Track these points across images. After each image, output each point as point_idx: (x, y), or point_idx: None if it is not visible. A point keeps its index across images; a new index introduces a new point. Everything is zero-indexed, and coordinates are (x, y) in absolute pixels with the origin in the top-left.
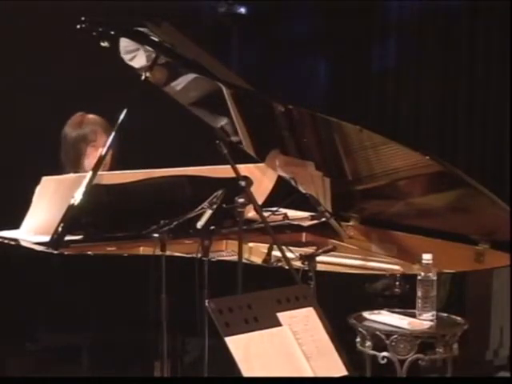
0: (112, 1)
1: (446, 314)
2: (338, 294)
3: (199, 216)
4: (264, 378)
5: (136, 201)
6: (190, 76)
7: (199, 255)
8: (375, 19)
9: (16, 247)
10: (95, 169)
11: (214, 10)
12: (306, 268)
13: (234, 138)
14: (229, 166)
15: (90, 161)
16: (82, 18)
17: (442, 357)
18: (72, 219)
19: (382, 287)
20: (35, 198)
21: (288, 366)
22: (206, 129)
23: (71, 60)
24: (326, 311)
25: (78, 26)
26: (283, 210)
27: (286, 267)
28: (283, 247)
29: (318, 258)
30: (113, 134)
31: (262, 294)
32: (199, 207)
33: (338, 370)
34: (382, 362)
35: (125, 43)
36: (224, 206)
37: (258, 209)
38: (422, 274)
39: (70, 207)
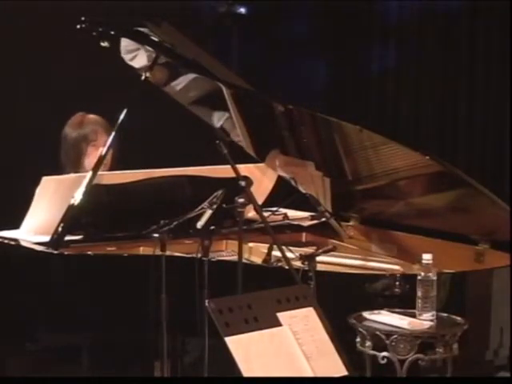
0: (112, 1)
1: (445, 314)
2: (337, 294)
3: (199, 216)
4: (264, 378)
5: (136, 201)
6: (190, 76)
7: (199, 255)
8: (375, 19)
9: (16, 247)
10: (95, 169)
11: (214, 10)
12: (306, 268)
13: (232, 135)
14: (229, 166)
15: (90, 160)
16: (82, 18)
17: (442, 357)
18: (72, 219)
19: (382, 287)
20: (35, 198)
21: (288, 366)
22: (206, 129)
23: (71, 60)
24: (326, 311)
25: (78, 26)
26: (283, 210)
27: (286, 267)
28: (283, 247)
29: (318, 258)
30: (113, 133)
31: (262, 294)
32: (199, 207)
33: (338, 369)
34: (382, 362)
35: (125, 43)
36: (224, 205)
37: (258, 209)
38: (422, 273)
39: (70, 207)
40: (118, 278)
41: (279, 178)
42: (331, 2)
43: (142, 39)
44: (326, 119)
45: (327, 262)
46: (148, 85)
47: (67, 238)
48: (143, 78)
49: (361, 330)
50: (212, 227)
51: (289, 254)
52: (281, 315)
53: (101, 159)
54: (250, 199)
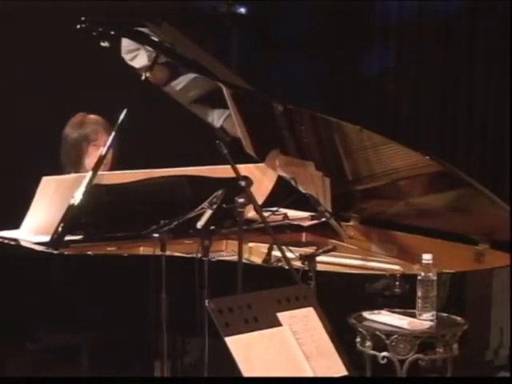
0: (112, 1)
1: (445, 314)
2: (337, 294)
3: (199, 216)
4: (264, 378)
5: (136, 201)
6: (190, 76)
7: (199, 255)
8: (375, 19)
9: (16, 247)
10: (95, 169)
11: (214, 10)
12: (306, 268)
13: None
14: (229, 166)
15: (90, 160)
16: (82, 18)
17: (442, 357)
18: (72, 219)
19: (382, 287)
20: (35, 198)
21: (288, 366)
22: (206, 129)
23: (71, 60)
24: (325, 311)
25: (78, 26)
26: (283, 210)
27: (286, 267)
28: (283, 247)
29: (318, 258)
30: (113, 133)
31: (262, 293)
32: (199, 207)
33: (338, 369)
34: (382, 362)
35: (126, 43)
36: (224, 205)
37: (258, 209)
38: (422, 273)
39: (70, 207)
40: (118, 278)
41: (279, 177)
42: (331, 2)
43: (142, 39)
44: (326, 119)
45: (327, 261)
46: (148, 85)
47: (67, 238)
48: (143, 77)
49: (361, 329)
50: (212, 227)
51: (289, 254)
52: (281, 315)
53: (101, 159)
54: (250, 199)
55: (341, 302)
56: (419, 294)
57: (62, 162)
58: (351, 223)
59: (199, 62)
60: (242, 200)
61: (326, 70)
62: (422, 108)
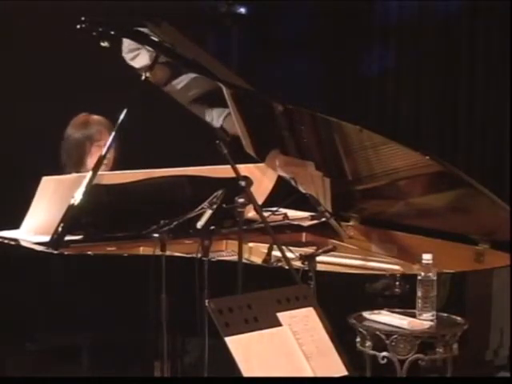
0: (112, 1)
1: (445, 314)
2: (337, 294)
3: (199, 216)
4: (264, 378)
5: (136, 201)
6: (190, 76)
7: (199, 255)
8: (375, 19)
9: (16, 247)
10: (95, 169)
11: (214, 10)
12: (306, 268)
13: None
14: (229, 166)
15: (93, 160)
16: (82, 18)
17: (442, 357)
18: (72, 219)
19: (382, 287)
20: (35, 198)
21: (288, 366)
22: (206, 129)
23: (71, 60)
24: (325, 311)
25: (78, 26)
26: (283, 210)
27: (286, 267)
28: (283, 247)
29: (318, 258)
30: (113, 134)
31: (262, 293)
32: (199, 207)
33: (338, 369)
34: (382, 362)
35: (128, 42)
36: (224, 205)
37: (258, 209)
38: (422, 273)
39: (70, 207)
40: (117, 277)
41: (279, 177)
42: (331, 2)
43: (142, 39)
44: (326, 119)
45: (327, 261)
46: (148, 85)
47: (67, 238)
48: (143, 77)
49: (361, 330)
50: (212, 227)
51: (289, 254)
52: (281, 315)
53: (101, 159)
54: (250, 199)
55: (341, 302)
56: (419, 293)
57: (62, 161)
58: (351, 223)
59: (199, 61)
60: (242, 200)
61: (326, 70)
62: (421, 108)
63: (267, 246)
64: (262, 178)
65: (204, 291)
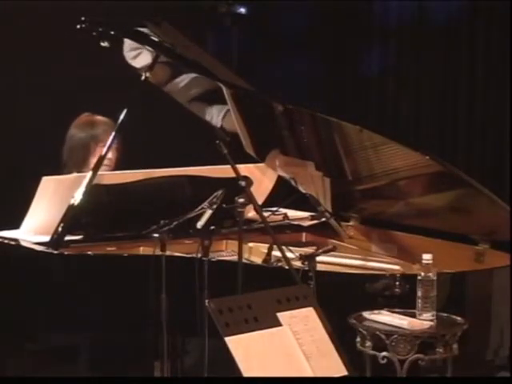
0: (112, 1)
1: (445, 314)
2: (337, 294)
3: (199, 216)
4: (264, 378)
5: (136, 201)
6: (190, 76)
7: (199, 255)
8: (375, 19)
9: (16, 247)
10: (95, 169)
11: (214, 10)
12: (306, 268)
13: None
14: (229, 166)
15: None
16: (82, 18)
17: (442, 357)
18: (72, 219)
19: (382, 287)
20: (35, 198)
21: (288, 366)
22: (206, 129)
23: (71, 60)
24: (326, 311)
25: (78, 26)
26: (283, 210)
27: (286, 267)
28: (283, 247)
29: (318, 258)
30: (113, 134)
31: (262, 293)
32: (199, 207)
33: (338, 370)
34: (382, 362)
35: (129, 41)
36: (224, 205)
37: (258, 209)
38: (422, 273)
39: (70, 207)
40: (117, 277)
41: (279, 177)
42: (331, 2)
43: (141, 39)
44: (326, 119)
45: (327, 261)
46: (148, 85)
47: (67, 238)
48: (143, 77)
49: (361, 330)
50: (212, 227)
51: (289, 254)
52: (281, 315)
53: (101, 159)
54: (250, 199)
55: (341, 302)
56: (419, 293)
57: (64, 161)
58: (351, 223)
59: (199, 61)
60: (242, 200)
61: (326, 70)
62: (422, 108)
63: (267, 246)
64: (262, 178)
65: (204, 291)
